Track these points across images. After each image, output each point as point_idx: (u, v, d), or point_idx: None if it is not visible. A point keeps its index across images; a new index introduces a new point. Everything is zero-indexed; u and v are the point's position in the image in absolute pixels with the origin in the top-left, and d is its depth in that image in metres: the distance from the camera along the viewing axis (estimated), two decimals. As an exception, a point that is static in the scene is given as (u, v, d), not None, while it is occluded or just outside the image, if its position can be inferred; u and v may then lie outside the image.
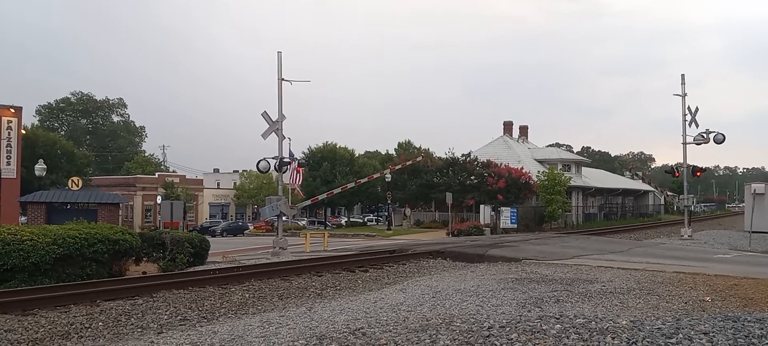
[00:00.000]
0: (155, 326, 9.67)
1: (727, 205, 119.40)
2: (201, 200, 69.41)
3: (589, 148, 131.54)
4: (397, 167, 45.68)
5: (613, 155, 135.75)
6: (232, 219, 68.04)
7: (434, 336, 6.89)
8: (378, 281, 15.11)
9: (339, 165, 55.07)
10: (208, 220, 64.20)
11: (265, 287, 13.82)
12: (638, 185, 74.88)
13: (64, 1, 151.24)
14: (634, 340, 6.33)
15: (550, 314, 8.14)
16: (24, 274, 14.02)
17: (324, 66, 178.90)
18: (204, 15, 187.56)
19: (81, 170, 51.27)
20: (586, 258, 18.87)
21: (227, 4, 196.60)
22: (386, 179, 45.25)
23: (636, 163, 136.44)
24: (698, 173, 34.40)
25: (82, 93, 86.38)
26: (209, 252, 20.54)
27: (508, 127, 60.75)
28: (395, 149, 70.28)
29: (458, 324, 7.58)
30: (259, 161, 22.80)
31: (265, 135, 22.61)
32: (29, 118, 69.62)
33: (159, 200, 50.30)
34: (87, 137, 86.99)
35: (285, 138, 23.22)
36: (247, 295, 12.78)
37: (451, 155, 46.25)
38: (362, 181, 45.93)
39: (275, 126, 22.54)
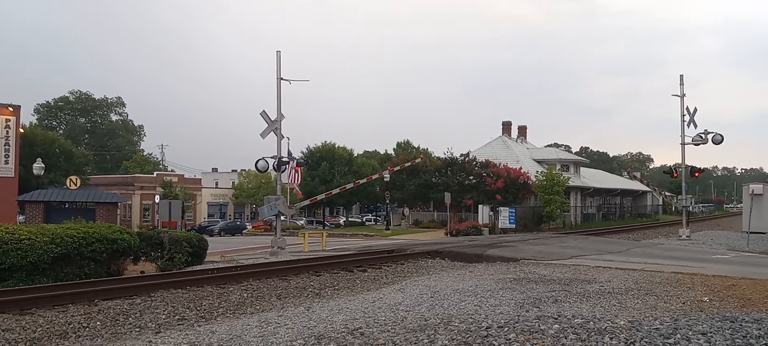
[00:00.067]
0: (153, 325, 9.66)
1: (725, 205, 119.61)
2: (199, 200, 69.35)
3: (588, 148, 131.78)
4: (396, 169, 45.67)
5: (611, 156, 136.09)
6: (230, 219, 68.01)
7: (433, 336, 6.88)
8: (376, 281, 15.10)
9: (337, 165, 55.06)
10: (206, 219, 64.15)
11: (263, 287, 13.81)
12: (636, 185, 74.94)
13: (63, 1, 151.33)
14: (632, 340, 6.33)
15: (548, 314, 8.14)
16: (22, 273, 14.00)
17: (324, 66, 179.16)
18: (204, 15, 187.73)
19: (79, 169, 51.19)
20: (584, 258, 18.88)
21: (227, 4, 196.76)
22: (385, 179, 45.26)
23: (634, 164, 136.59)
24: (696, 174, 34.46)
25: (80, 92, 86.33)
26: (207, 252, 20.53)
27: (506, 127, 60.81)
28: (394, 149, 70.31)
29: (456, 324, 7.58)
30: (257, 161, 22.81)
31: (263, 134, 22.60)
32: (27, 117, 69.61)
33: (157, 199, 50.23)
34: (85, 136, 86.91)
35: (284, 137, 23.23)
36: (245, 294, 12.78)
37: (450, 155, 46.28)
38: (361, 182, 45.92)
39: (274, 125, 22.53)
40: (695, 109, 31.77)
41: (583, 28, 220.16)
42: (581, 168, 59.27)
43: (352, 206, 67.28)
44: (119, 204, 35.36)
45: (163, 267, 17.87)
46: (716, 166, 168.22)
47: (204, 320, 10.11)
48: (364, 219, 66.51)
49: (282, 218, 23.45)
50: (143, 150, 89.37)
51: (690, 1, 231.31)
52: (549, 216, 41.06)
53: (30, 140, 45.36)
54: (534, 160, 53.94)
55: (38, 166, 32.25)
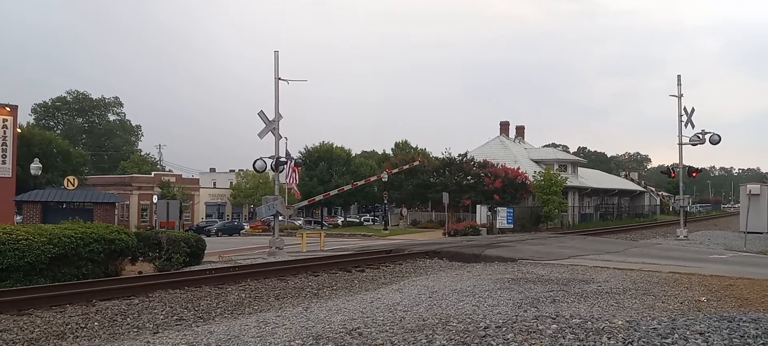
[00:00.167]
0: (151, 326, 9.65)
1: (722, 205, 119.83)
2: (197, 200, 69.27)
3: (586, 148, 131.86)
4: (394, 171, 45.66)
5: (609, 156, 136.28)
6: (228, 219, 67.93)
7: (431, 336, 6.89)
8: (374, 281, 15.10)
9: (336, 165, 55.03)
10: (204, 219, 64.08)
11: (261, 287, 13.80)
12: (634, 185, 75.06)
13: (63, 1, 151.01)
14: (629, 340, 6.34)
15: (546, 314, 8.16)
16: (19, 273, 13.96)
17: (323, 66, 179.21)
18: (204, 15, 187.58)
19: (77, 169, 51.11)
20: (582, 258, 18.91)
21: (227, 4, 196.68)
22: (383, 180, 45.27)
23: (632, 164, 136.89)
24: (694, 174, 34.54)
25: (77, 92, 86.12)
26: (205, 252, 20.50)
27: (504, 127, 60.88)
28: (392, 149, 70.30)
29: (455, 324, 7.59)
30: (255, 161, 22.79)
31: (261, 134, 22.59)
32: (25, 117, 69.61)
33: (155, 199, 50.17)
34: (83, 136, 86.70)
35: (282, 138, 23.27)
36: (243, 295, 12.76)
37: (448, 155, 46.32)
38: (359, 183, 45.92)
39: (272, 125, 22.52)
40: (693, 110, 31.84)
41: (583, 28, 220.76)
42: (579, 168, 59.36)
43: (350, 206, 67.28)
44: (117, 204, 35.30)
45: (161, 267, 17.84)
46: (714, 167, 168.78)
47: (202, 320, 10.10)
48: (362, 219, 66.50)
49: (280, 218, 23.44)
50: (141, 150, 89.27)
51: (689, 1, 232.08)
52: (547, 216, 41.10)
53: (27, 140, 45.25)
54: (532, 160, 54.00)
55: (36, 167, 32.18)
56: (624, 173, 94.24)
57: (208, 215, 69.13)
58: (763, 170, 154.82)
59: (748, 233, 29.34)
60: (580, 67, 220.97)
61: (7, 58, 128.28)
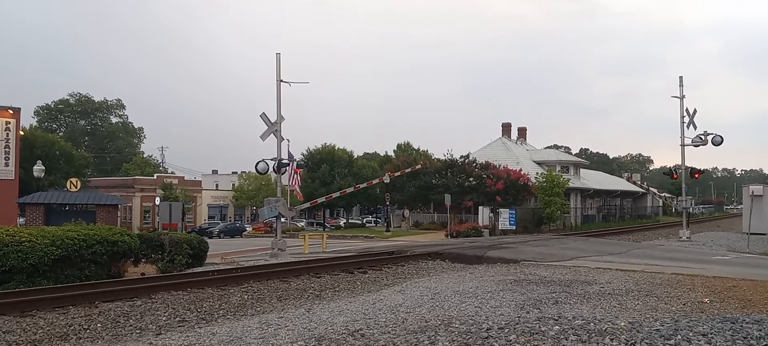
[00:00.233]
0: (154, 327, 9.66)
1: (725, 207, 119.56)
2: (200, 202, 69.38)
3: (588, 149, 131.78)
4: (396, 174, 45.64)
5: (611, 157, 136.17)
6: (230, 221, 68.01)
7: (433, 338, 6.89)
8: (377, 283, 15.10)
9: (338, 166, 55.04)
10: (206, 221, 64.17)
11: (263, 289, 13.81)
12: (637, 187, 74.93)
13: (63, 1, 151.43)
14: (632, 341, 6.34)
15: (548, 316, 8.15)
16: (22, 275, 14.00)
17: (324, 66, 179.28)
18: (204, 15, 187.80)
19: (79, 171, 51.23)
20: (584, 260, 18.88)
21: (227, 5, 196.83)
22: (385, 182, 45.28)
23: (634, 165, 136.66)
24: (696, 175, 34.47)
25: (80, 94, 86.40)
26: (208, 253, 20.53)
27: (506, 128, 60.88)
28: (394, 151, 70.25)
29: (457, 325, 7.59)
30: (257, 163, 22.81)
31: (263, 136, 22.62)
32: (27, 120, 69.64)
33: (157, 201, 50.21)
34: (85, 138, 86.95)
35: (284, 139, 23.25)
36: (245, 296, 12.77)
37: (450, 157, 46.27)
38: (361, 186, 45.92)
39: (274, 127, 22.55)
40: (695, 111, 31.82)
41: (583, 28, 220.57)
42: (581, 169, 59.31)
43: (352, 208, 67.28)
44: (120, 206, 35.38)
45: (163, 269, 17.87)
46: (716, 168, 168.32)
47: (204, 321, 10.11)
48: (364, 221, 66.52)
49: (282, 219, 23.46)
50: (143, 152, 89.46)
51: (689, 2, 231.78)
52: (549, 218, 41.05)
53: (30, 143, 45.40)
54: (534, 161, 53.96)
55: (38, 169, 32.26)
56: (626, 174, 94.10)
57: (210, 217, 69.26)
58: (766, 171, 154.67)
59: (751, 234, 29.27)
60: (580, 67, 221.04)
61: (8, 59, 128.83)
